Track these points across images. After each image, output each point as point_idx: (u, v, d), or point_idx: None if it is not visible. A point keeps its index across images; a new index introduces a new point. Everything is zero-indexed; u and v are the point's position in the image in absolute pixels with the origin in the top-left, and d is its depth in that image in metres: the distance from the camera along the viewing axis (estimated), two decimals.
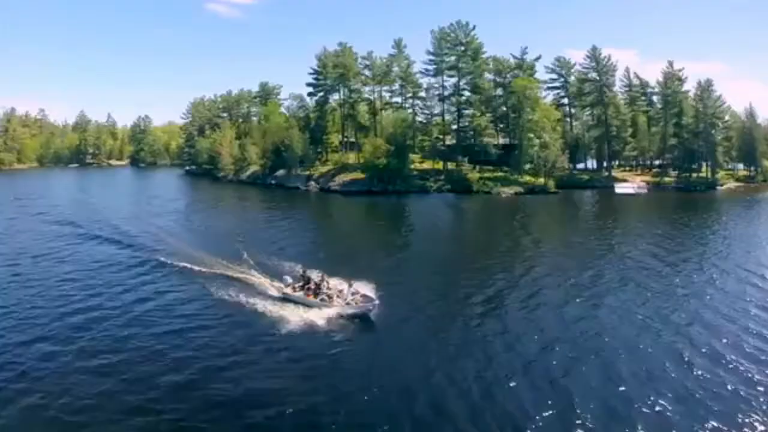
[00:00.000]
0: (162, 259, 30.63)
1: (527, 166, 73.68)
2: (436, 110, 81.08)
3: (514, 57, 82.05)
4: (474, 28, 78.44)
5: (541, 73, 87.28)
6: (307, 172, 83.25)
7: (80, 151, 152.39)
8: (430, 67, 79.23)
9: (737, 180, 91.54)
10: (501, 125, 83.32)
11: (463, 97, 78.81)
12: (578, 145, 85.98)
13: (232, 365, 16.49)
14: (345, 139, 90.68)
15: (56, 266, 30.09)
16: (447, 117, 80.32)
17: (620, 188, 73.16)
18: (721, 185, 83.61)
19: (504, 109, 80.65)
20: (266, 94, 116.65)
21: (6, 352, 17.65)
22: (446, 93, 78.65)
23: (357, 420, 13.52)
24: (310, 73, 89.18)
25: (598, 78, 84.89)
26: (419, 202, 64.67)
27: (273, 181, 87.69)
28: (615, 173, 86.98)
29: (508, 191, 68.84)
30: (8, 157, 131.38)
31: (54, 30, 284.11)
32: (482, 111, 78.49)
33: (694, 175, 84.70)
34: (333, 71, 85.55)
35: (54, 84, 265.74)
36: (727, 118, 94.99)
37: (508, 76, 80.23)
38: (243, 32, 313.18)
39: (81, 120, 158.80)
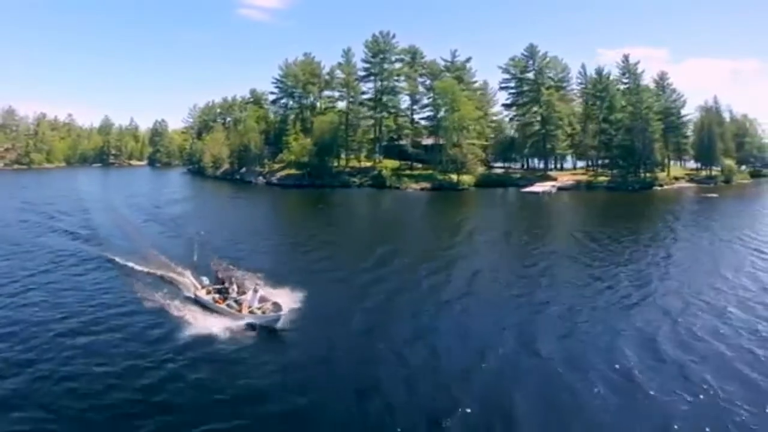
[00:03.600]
0: (94, 243, 35.31)
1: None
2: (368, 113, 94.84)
3: (444, 60, 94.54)
4: (394, 36, 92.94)
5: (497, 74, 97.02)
6: (260, 169, 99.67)
7: (103, 152, 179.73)
8: (363, 73, 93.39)
9: (692, 180, 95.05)
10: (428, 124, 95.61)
11: (382, 100, 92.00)
12: (514, 144, 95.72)
13: (103, 374, 15.92)
14: None
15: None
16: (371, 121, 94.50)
17: (529, 188, 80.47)
18: (660, 185, 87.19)
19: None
20: (256, 100, 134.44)
21: None
22: (368, 97, 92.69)
23: None
24: (273, 82, 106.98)
25: (534, 77, 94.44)
26: (333, 195, 78.63)
27: (237, 176, 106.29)
28: (553, 173, 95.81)
29: (415, 187, 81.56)
30: (38, 157, 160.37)
31: (83, 38, 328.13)
32: (396, 113, 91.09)
33: (645, 174, 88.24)
34: (291, 80, 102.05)
35: (83, 88, 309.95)
36: (685, 112, 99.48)
37: (435, 78, 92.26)
38: (269, 35, 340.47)
39: (105, 123, 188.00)
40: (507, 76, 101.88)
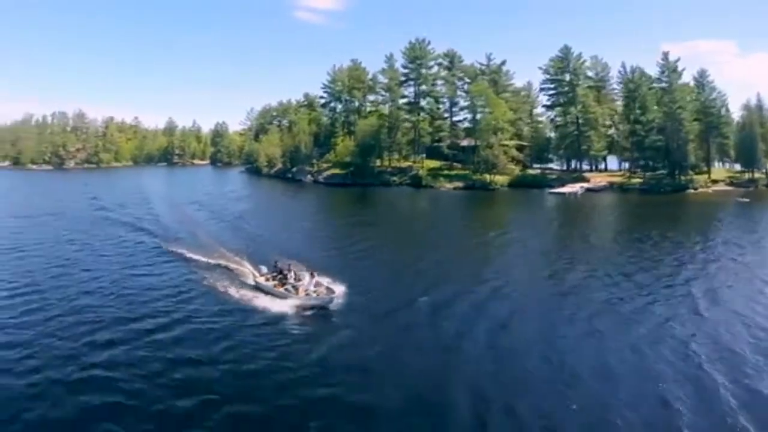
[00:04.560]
0: (157, 230, 42.19)
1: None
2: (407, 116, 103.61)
3: (480, 63, 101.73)
4: (429, 43, 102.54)
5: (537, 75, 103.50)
6: (310, 168, 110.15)
7: (168, 152, 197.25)
8: (402, 79, 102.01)
9: (732, 183, 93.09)
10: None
11: (419, 104, 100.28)
12: (549, 145, 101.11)
13: (181, 349, 18.56)
14: None
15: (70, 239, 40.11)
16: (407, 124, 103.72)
17: (556, 189, 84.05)
18: (695, 188, 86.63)
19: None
20: (310, 103, 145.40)
21: None
22: (408, 101, 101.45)
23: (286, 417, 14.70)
24: (321, 87, 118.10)
25: (568, 78, 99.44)
26: (373, 193, 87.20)
27: (289, 175, 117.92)
28: (590, 174, 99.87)
29: (448, 186, 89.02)
30: (107, 156, 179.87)
31: (148, 47, 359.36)
32: (433, 115, 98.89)
33: (679, 177, 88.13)
34: (338, 85, 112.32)
35: (148, 91, 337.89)
36: (731, 112, 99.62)
37: (472, 81, 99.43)
38: (325, 37, 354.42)
39: (169, 125, 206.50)
40: (546, 77, 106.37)
